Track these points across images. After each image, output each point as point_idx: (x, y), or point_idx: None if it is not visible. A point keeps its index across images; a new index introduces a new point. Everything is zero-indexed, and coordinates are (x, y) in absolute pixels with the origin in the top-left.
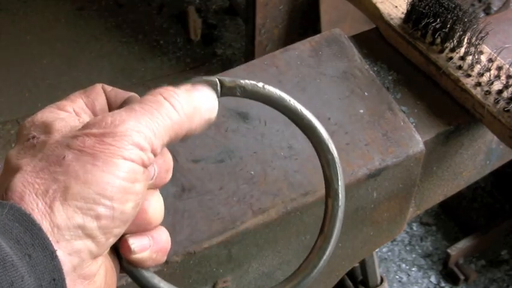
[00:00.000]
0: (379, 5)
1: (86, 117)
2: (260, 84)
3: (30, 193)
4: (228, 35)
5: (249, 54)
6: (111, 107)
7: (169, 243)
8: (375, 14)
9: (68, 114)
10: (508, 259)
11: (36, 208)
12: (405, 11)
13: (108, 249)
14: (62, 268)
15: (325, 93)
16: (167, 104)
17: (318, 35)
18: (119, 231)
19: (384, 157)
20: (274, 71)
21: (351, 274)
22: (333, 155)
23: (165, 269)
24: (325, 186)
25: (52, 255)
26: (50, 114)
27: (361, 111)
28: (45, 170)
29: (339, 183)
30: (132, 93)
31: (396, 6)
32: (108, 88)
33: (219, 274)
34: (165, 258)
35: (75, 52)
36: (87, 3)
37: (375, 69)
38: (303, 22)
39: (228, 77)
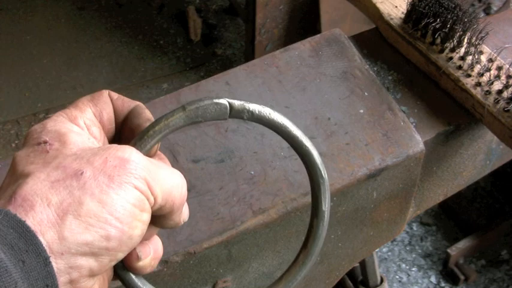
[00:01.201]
0: (379, 5)
1: (96, 130)
2: (267, 111)
3: (42, 203)
4: (228, 35)
5: (249, 54)
6: (118, 116)
7: (162, 250)
8: (374, 14)
9: (80, 129)
10: (508, 259)
11: (45, 218)
12: (405, 11)
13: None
14: (56, 275)
15: (325, 93)
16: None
17: (318, 35)
18: (121, 255)
19: (384, 157)
20: (274, 71)
21: (351, 274)
22: (324, 179)
23: (165, 269)
24: (312, 206)
25: (46, 262)
26: (63, 125)
27: (361, 111)
28: (60, 182)
29: (326, 206)
30: (138, 103)
31: (396, 6)
32: (115, 96)
33: (219, 274)
34: (157, 264)
35: (75, 52)
36: (87, 3)
37: (375, 69)
38: (303, 22)
39: (237, 100)
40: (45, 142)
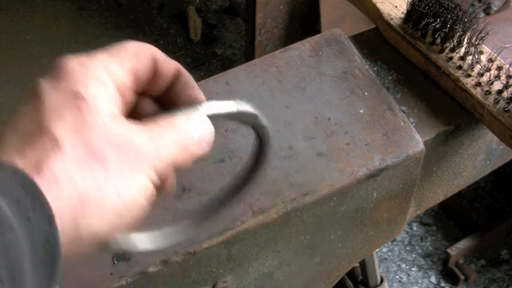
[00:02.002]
0: (379, 5)
1: (128, 94)
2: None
3: (68, 184)
4: (228, 35)
5: (249, 54)
6: (158, 81)
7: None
8: (374, 14)
9: (115, 91)
10: (508, 259)
11: (67, 201)
12: (405, 11)
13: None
14: (59, 236)
15: (325, 93)
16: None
17: (318, 35)
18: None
19: (384, 157)
20: (274, 71)
21: (351, 274)
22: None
23: (165, 269)
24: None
25: (50, 220)
26: (102, 79)
27: (361, 111)
28: (86, 163)
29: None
30: (185, 71)
31: (396, 6)
32: (160, 55)
33: (219, 274)
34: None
35: (75, 52)
36: (87, 3)
37: (375, 69)
38: (303, 22)
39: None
40: (82, 98)
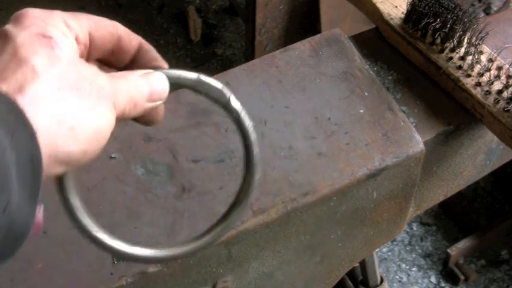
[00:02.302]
0: (379, 5)
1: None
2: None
3: (46, 107)
4: (228, 35)
5: (249, 54)
6: (122, 53)
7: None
8: (374, 14)
9: (75, 42)
10: (508, 259)
11: (47, 123)
12: (405, 11)
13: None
14: (40, 151)
15: (325, 93)
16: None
17: (318, 35)
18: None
19: (384, 157)
20: (274, 71)
21: (351, 274)
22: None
23: (165, 269)
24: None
25: (32, 136)
26: (62, 29)
27: (361, 111)
28: (64, 91)
29: (256, 158)
30: (145, 42)
31: (396, 6)
32: (123, 30)
33: (219, 274)
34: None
35: None
36: (88, 3)
37: (375, 69)
38: (303, 22)
39: (238, 102)
40: (51, 38)
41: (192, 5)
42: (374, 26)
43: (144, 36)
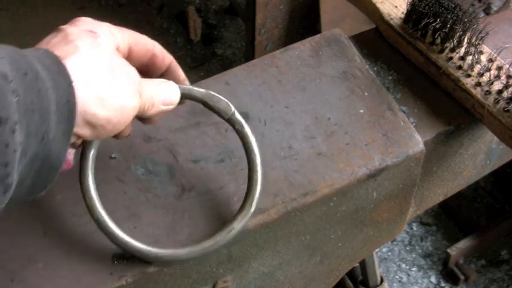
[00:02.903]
0: (379, 5)
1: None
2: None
3: (87, 74)
4: (228, 35)
5: (249, 54)
6: (155, 70)
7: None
8: (374, 14)
9: (115, 45)
10: (508, 259)
11: (85, 86)
12: (405, 11)
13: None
14: (76, 97)
15: (325, 93)
16: None
17: (318, 35)
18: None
19: (384, 157)
20: (274, 71)
21: (351, 274)
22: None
23: (165, 269)
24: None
25: (70, 84)
26: (106, 32)
27: (361, 111)
28: (101, 68)
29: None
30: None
31: (396, 6)
32: (158, 49)
33: (219, 274)
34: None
35: None
36: (87, 3)
37: (375, 69)
38: (303, 22)
39: (240, 117)
40: (95, 33)
41: (192, 5)
42: (374, 26)
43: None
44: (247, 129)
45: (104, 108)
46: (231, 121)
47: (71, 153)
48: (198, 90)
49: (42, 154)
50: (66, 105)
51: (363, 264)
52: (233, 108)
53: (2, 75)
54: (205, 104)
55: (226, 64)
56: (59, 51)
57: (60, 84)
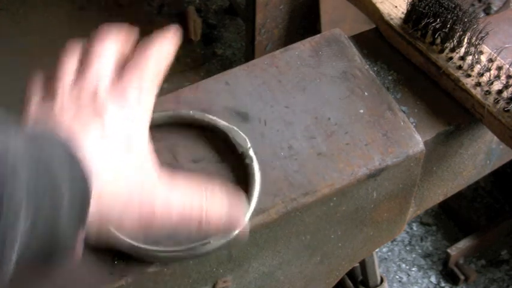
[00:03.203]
0: (379, 5)
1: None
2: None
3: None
4: (228, 35)
5: (249, 54)
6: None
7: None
8: (374, 14)
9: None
10: (508, 259)
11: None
12: (405, 11)
13: None
14: (91, 190)
15: (325, 93)
16: None
17: (318, 35)
18: None
19: (384, 157)
20: (274, 71)
21: (351, 274)
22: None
23: (165, 269)
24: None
25: (87, 179)
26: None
27: (361, 111)
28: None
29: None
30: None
31: (396, 6)
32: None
33: (219, 274)
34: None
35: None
36: (87, 3)
37: (375, 69)
38: (303, 22)
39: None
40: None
41: (192, 5)
42: (374, 26)
43: (144, 36)
44: (255, 165)
45: (116, 193)
46: (243, 155)
47: (79, 245)
48: (223, 123)
49: (46, 233)
50: (80, 199)
51: (363, 264)
52: (249, 144)
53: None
54: (226, 135)
55: (226, 64)
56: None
57: (76, 177)
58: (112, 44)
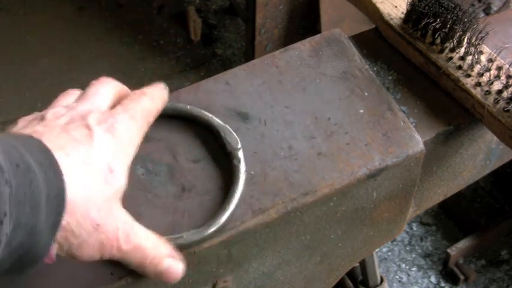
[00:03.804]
0: (379, 5)
1: None
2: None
3: (78, 171)
4: (228, 35)
5: (249, 54)
6: None
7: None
8: (374, 14)
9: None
10: (508, 259)
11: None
12: (405, 11)
13: None
14: (66, 190)
15: (325, 93)
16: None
17: (318, 35)
18: None
19: (384, 157)
20: (274, 71)
21: (351, 274)
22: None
23: None
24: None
25: (61, 178)
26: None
27: (361, 111)
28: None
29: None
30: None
31: (396, 6)
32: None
33: (219, 274)
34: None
35: (75, 52)
36: (87, 3)
37: (375, 69)
38: (303, 22)
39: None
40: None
41: (192, 5)
42: (374, 26)
43: (144, 37)
44: (242, 167)
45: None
46: (231, 155)
47: (53, 248)
48: (217, 120)
49: (27, 245)
50: (56, 199)
51: (363, 264)
52: (240, 145)
53: None
54: (219, 133)
55: (226, 64)
56: (49, 143)
57: (51, 177)
58: (110, 85)
